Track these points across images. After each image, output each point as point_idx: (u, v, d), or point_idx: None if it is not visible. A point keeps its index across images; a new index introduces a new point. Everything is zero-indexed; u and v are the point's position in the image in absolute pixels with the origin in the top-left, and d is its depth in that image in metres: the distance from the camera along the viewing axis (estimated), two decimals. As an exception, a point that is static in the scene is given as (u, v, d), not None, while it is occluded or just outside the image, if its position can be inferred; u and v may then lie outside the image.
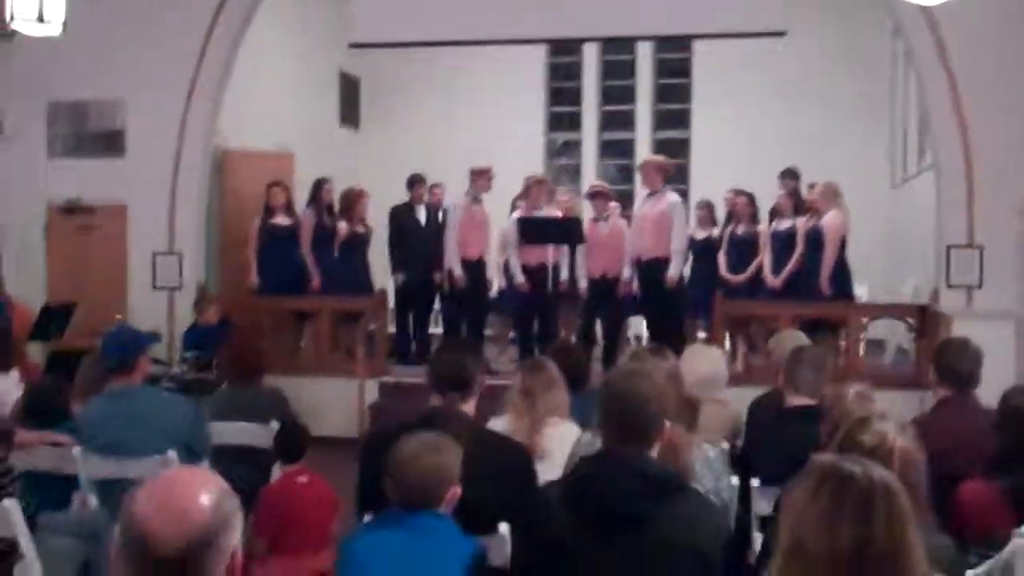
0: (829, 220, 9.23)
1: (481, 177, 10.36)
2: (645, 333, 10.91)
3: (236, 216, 11.24)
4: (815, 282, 9.27)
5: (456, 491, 3.22)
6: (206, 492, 1.97)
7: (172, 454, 4.75)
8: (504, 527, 3.44)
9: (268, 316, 10.15)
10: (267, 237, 10.25)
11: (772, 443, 4.35)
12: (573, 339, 9.57)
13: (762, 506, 4.20)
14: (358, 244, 10.60)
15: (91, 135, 10.23)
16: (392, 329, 11.02)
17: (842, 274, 9.38)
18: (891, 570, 2.17)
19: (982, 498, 3.75)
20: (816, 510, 2.18)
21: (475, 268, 10.29)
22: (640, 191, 14.97)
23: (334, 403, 9.46)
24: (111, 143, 10.19)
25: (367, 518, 3.53)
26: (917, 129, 11.95)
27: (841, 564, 2.14)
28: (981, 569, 2.83)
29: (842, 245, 9.29)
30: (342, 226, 10.42)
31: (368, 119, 15.69)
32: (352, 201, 10.55)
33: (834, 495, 2.18)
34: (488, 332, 11.11)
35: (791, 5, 9.34)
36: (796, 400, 4.58)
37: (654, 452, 2.95)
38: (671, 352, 4.53)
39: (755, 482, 4.31)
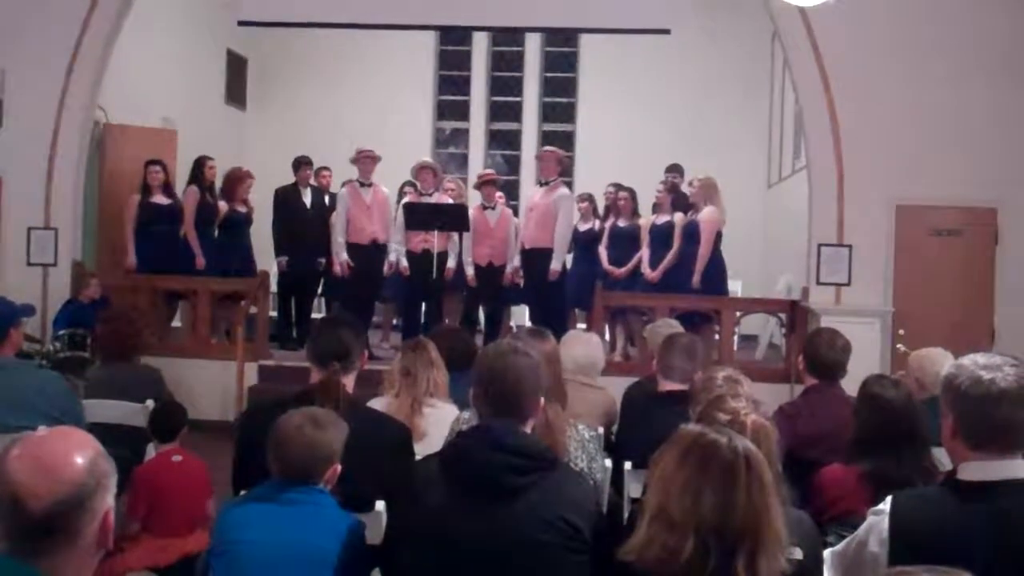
0: (704, 215, 9.43)
1: (360, 159, 10.16)
2: (528, 323, 10.99)
3: (116, 192, 10.96)
4: (691, 275, 9.46)
5: (336, 469, 3.21)
6: (80, 451, 1.96)
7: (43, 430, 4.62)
8: (381, 504, 3.45)
9: (145, 296, 9.92)
10: (146, 216, 10.03)
11: (644, 427, 4.42)
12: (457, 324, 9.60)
13: (634, 489, 4.27)
14: (238, 224, 10.45)
15: (-33, 106, 9.85)
16: (274, 313, 10.90)
17: (716, 269, 9.57)
18: (752, 537, 2.27)
19: (841, 482, 3.87)
20: (681, 477, 2.26)
21: (366, 253, 10.09)
22: (525, 181, 15.23)
23: (211, 386, 9.34)
24: (-12, 114, 9.86)
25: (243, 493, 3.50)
26: (793, 130, 12.27)
27: (704, 530, 2.23)
28: (839, 546, 2.95)
29: (717, 240, 9.50)
30: (222, 205, 10.27)
31: (255, 99, 15.47)
32: (235, 182, 10.41)
33: (699, 463, 2.27)
34: (373, 319, 11.04)
35: (676, 4, 9.51)
36: (668, 385, 4.68)
37: (528, 428, 3.00)
38: (551, 335, 4.56)
39: (627, 465, 4.37)
